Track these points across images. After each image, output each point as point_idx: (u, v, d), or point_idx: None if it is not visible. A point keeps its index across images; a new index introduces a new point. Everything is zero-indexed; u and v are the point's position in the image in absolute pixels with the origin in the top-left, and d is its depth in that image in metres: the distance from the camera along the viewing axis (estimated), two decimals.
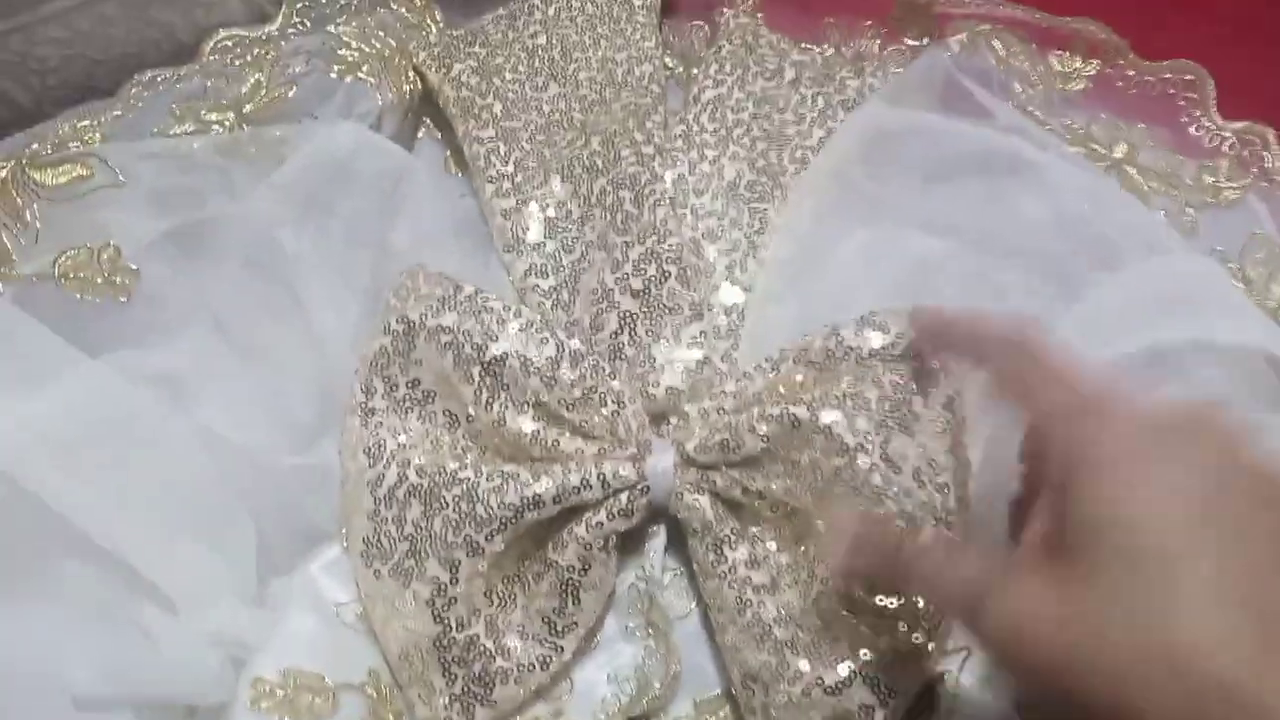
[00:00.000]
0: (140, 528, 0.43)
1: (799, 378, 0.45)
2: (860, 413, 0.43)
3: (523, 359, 0.44)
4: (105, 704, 0.39)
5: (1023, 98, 0.59)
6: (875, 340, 0.45)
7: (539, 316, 0.46)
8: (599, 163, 0.53)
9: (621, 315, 0.48)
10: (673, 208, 0.50)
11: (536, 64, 0.58)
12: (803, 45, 0.60)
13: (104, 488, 0.42)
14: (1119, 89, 0.60)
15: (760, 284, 0.52)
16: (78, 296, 0.47)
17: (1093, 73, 0.61)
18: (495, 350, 0.45)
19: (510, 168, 0.54)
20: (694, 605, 0.47)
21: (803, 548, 0.45)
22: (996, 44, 0.60)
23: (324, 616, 0.46)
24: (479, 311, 0.45)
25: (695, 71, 0.58)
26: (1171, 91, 0.60)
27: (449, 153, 0.59)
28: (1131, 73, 0.60)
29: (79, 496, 0.42)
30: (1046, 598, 0.29)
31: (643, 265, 0.48)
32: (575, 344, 0.45)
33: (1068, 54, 0.61)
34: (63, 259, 0.47)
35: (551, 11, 0.59)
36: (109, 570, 0.42)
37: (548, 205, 0.53)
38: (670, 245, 0.48)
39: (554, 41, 0.58)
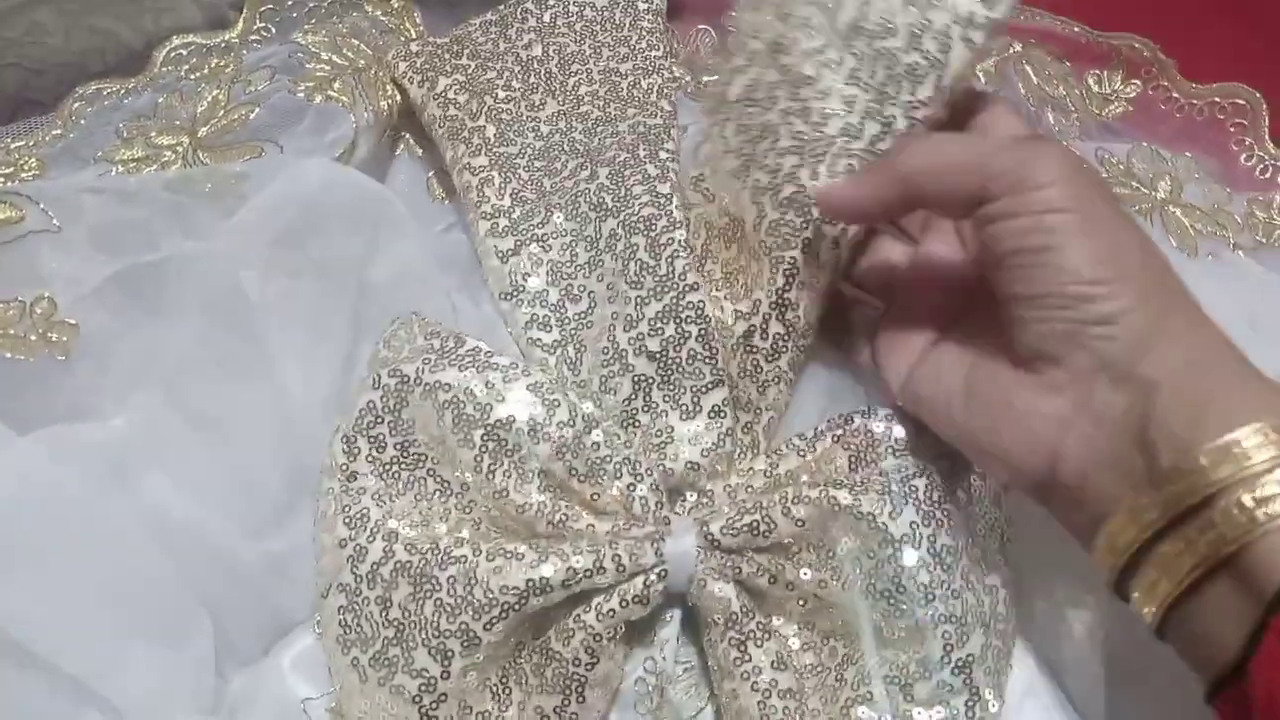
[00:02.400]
0: (82, 632, 0.38)
1: (838, 460, 0.41)
2: (908, 503, 0.39)
3: (532, 423, 0.40)
4: None
5: (1055, 131, 0.54)
6: (900, 432, 0.41)
7: (549, 377, 0.41)
8: (608, 200, 0.47)
9: (636, 379, 0.43)
10: (692, 257, 0.44)
11: (532, 79, 0.51)
12: None
13: (39, 588, 0.38)
14: (1162, 112, 0.56)
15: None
16: (7, 356, 0.41)
17: (1134, 94, 0.56)
18: (501, 412, 0.40)
19: (506, 200, 0.48)
20: (705, 705, 0.42)
21: (830, 646, 0.40)
22: (1028, 69, 0.55)
23: (289, 718, 0.41)
24: (483, 368, 0.41)
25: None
26: (1220, 116, 0.55)
27: (432, 173, 0.53)
28: (1176, 95, 0.56)
29: (10, 600, 0.37)
30: None
31: (660, 324, 0.43)
32: (589, 408, 0.41)
33: (1106, 74, 0.56)
34: None
35: (547, 18, 0.53)
36: (49, 680, 0.38)
37: (550, 247, 0.47)
38: (691, 302, 0.43)
39: (550, 52, 0.52)
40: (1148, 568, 0.31)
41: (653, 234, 0.44)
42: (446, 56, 0.52)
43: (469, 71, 0.51)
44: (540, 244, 0.47)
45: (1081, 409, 0.34)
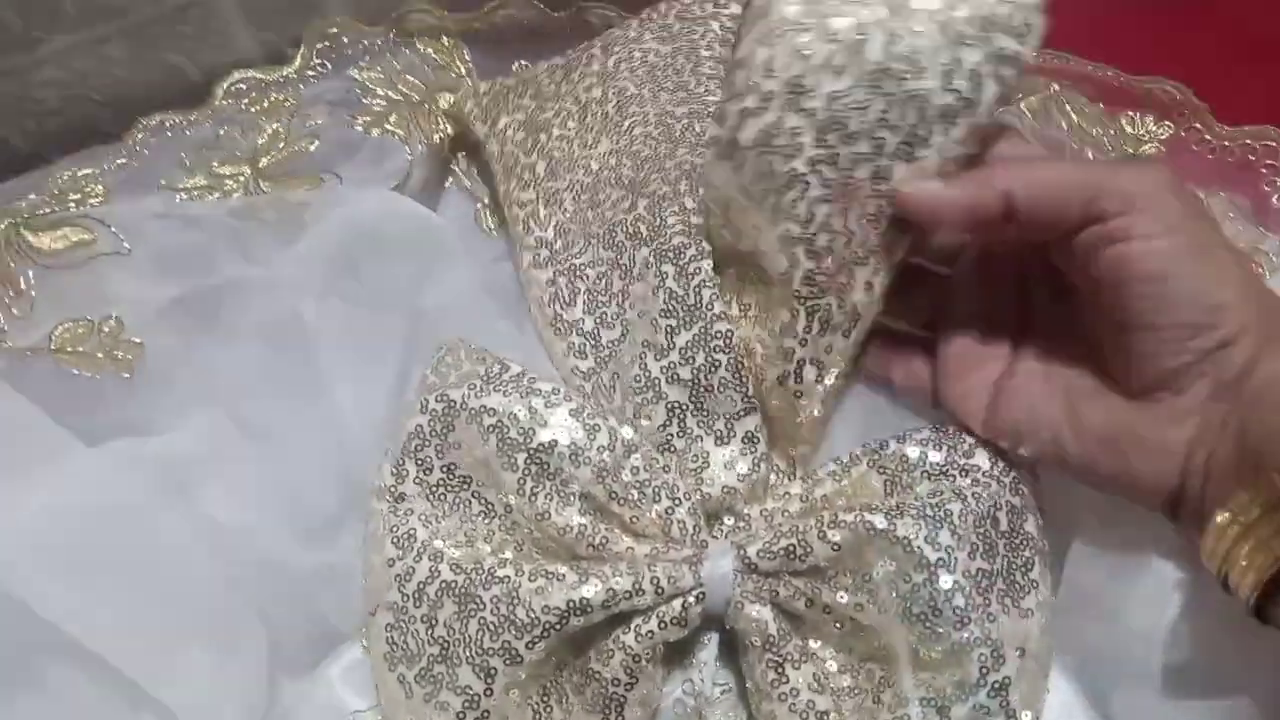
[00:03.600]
0: (139, 635, 0.39)
1: (873, 484, 0.42)
2: (943, 526, 0.39)
3: (573, 447, 0.41)
4: None
5: None
6: (935, 457, 0.42)
7: (590, 403, 0.42)
8: (643, 229, 0.47)
9: (669, 406, 0.44)
10: (720, 287, 0.44)
11: (589, 119, 0.52)
12: None
13: (99, 591, 0.39)
14: (1195, 153, 0.57)
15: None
16: (75, 373, 0.43)
17: (1166, 135, 0.57)
18: (543, 437, 0.41)
19: (550, 232, 0.50)
20: None
21: (868, 669, 0.41)
22: (1069, 109, 0.56)
23: None
24: (526, 393, 0.42)
25: None
26: (1252, 158, 0.56)
27: (479, 205, 0.54)
28: (1209, 137, 0.57)
29: (71, 601, 0.38)
30: None
31: (690, 352, 0.43)
32: (628, 433, 0.42)
33: (1139, 115, 0.57)
34: (60, 331, 0.43)
35: (611, 64, 0.54)
36: (105, 682, 0.39)
37: (587, 276, 0.48)
38: (719, 331, 0.43)
39: (610, 95, 0.53)
40: (1243, 550, 0.32)
41: (681, 263, 0.44)
42: (511, 97, 0.53)
43: (529, 111, 0.53)
44: (578, 274, 0.48)
45: (1206, 431, 0.34)
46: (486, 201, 0.54)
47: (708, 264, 0.44)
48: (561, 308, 0.48)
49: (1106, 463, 0.37)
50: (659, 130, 0.51)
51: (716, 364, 0.43)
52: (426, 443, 0.43)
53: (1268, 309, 0.35)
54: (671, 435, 0.43)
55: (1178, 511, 0.36)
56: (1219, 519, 0.33)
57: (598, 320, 0.47)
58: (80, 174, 0.50)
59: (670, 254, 0.45)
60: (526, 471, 0.41)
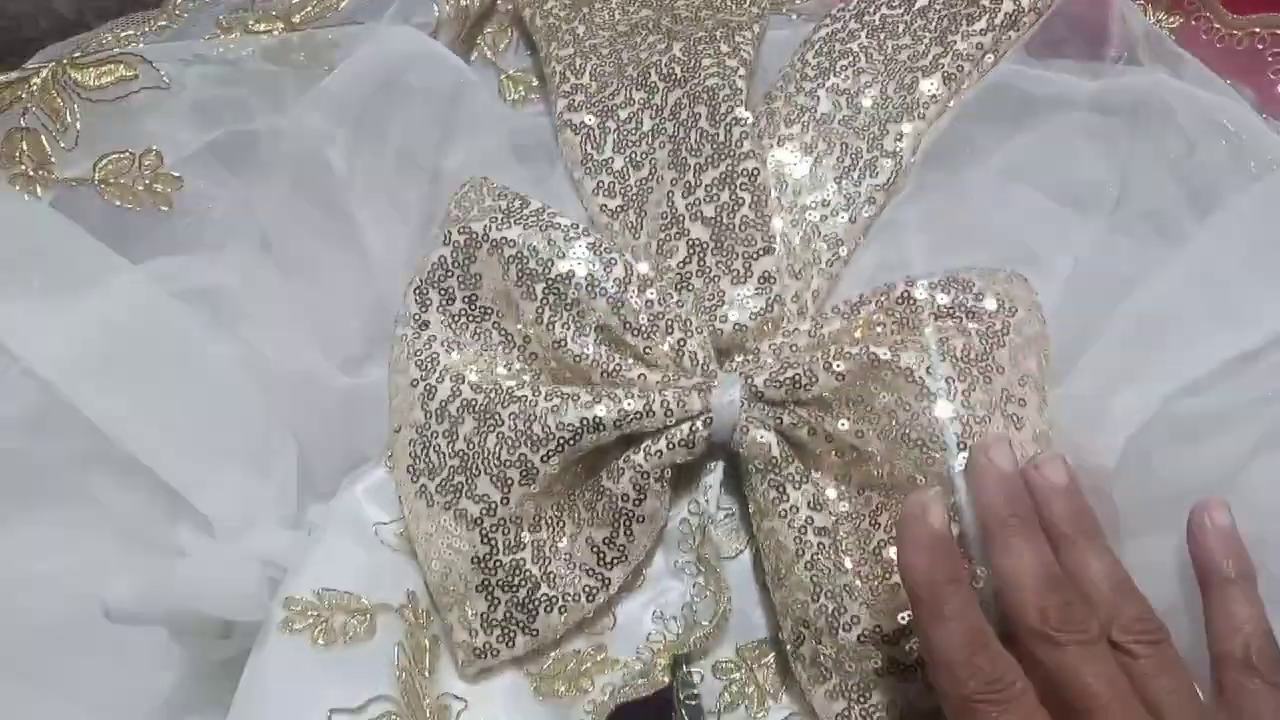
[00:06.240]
0: (179, 446, 0.42)
1: (878, 325, 0.43)
2: (945, 359, 0.41)
3: (590, 279, 0.43)
4: (140, 619, 0.38)
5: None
6: (943, 299, 0.43)
7: (608, 238, 0.44)
8: (677, 70, 0.49)
9: (690, 243, 0.45)
10: (752, 130, 0.46)
11: (634, 3, 0.55)
12: None
13: (143, 403, 0.42)
14: (1203, 42, 0.57)
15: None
16: (117, 203, 0.45)
17: (1176, 25, 0.58)
18: (561, 268, 0.43)
19: (585, 78, 0.51)
20: (744, 547, 0.45)
21: (866, 495, 0.43)
22: None
23: (363, 537, 0.44)
24: (546, 227, 0.44)
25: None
26: (1260, 46, 0.57)
27: (503, 76, 0.56)
28: (1217, 25, 0.58)
29: (117, 411, 0.41)
30: None
31: (715, 190, 0.45)
32: (644, 268, 0.44)
33: (1148, 6, 0.58)
34: (103, 164, 0.45)
35: None
36: (146, 489, 0.41)
37: (619, 117, 0.50)
38: (746, 169, 0.45)
39: None
40: None
41: (714, 103, 0.47)
42: None
43: None
44: (610, 114, 0.50)
45: None
46: (510, 73, 0.56)
47: (740, 105, 0.46)
48: (593, 147, 0.50)
49: None
50: (705, 6, 0.53)
51: (740, 201, 0.45)
52: (449, 273, 0.45)
53: None
54: (690, 273, 0.45)
55: None
56: None
57: (627, 160, 0.49)
58: (122, 35, 0.52)
59: (704, 95, 0.47)
60: (544, 301, 0.43)
